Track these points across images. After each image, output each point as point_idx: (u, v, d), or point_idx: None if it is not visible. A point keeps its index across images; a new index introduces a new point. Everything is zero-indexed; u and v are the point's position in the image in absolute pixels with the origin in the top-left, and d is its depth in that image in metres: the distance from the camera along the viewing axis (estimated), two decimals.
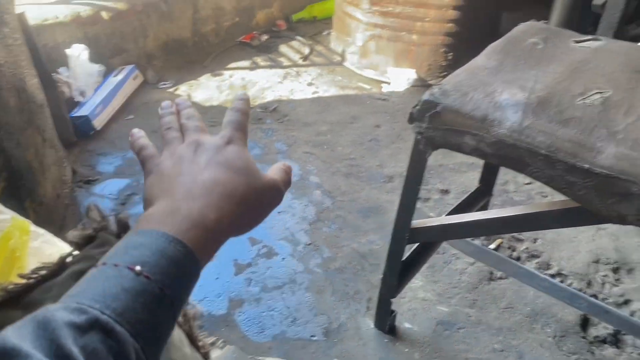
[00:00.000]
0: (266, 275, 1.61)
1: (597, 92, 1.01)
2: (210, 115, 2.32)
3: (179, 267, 0.39)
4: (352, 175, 2.02)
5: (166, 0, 2.50)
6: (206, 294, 1.53)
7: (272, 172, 0.51)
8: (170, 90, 2.48)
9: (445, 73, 2.43)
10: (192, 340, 0.67)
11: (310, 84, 2.56)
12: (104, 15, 2.33)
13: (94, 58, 2.27)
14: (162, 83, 2.51)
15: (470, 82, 1.10)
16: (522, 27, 1.33)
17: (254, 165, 0.49)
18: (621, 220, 0.93)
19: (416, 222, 1.26)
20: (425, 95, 1.11)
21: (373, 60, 2.57)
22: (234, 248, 1.67)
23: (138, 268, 0.37)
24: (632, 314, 1.51)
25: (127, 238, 0.41)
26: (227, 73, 2.61)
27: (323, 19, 3.03)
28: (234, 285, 1.57)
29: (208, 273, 1.59)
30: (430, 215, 1.86)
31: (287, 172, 0.52)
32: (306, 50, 2.81)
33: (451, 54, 2.44)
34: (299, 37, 2.91)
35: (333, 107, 2.41)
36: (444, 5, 2.31)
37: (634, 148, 0.91)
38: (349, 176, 2.01)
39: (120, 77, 2.35)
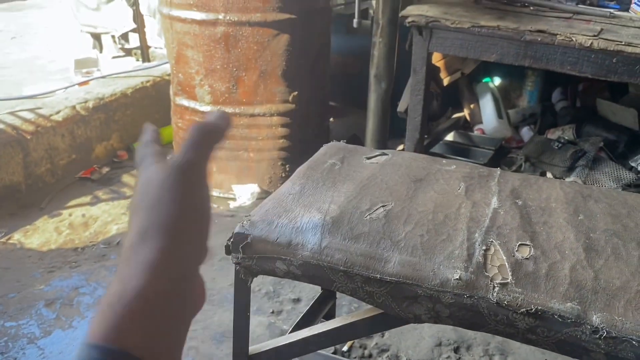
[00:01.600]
0: None
1: (381, 206, 1.15)
2: (49, 260, 2.20)
3: None
4: None
5: None
6: None
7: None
8: (2, 240, 2.33)
9: None
10: None
11: None
12: None
13: None
14: None
15: (276, 210, 1.18)
16: (324, 148, 1.48)
17: (149, 178, 0.40)
18: (417, 320, 1.04)
19: (254, 348, 1.28)
20: (237, 228, 1.17)
21: (217, 179, 2.65)
22: None
23: None
24: None
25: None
26: (66, 212, 2.52)
27: (166, 144, 3.09)
28: None
29: None
30: (284, 327, 1.88)
31: (198, 127, 0.42)
32: None
33: (288, 165, 2.60)
34: None
35: None
36: (273, 124, 2.48)
37: (413, 254, 1.03)
38: None
39: None
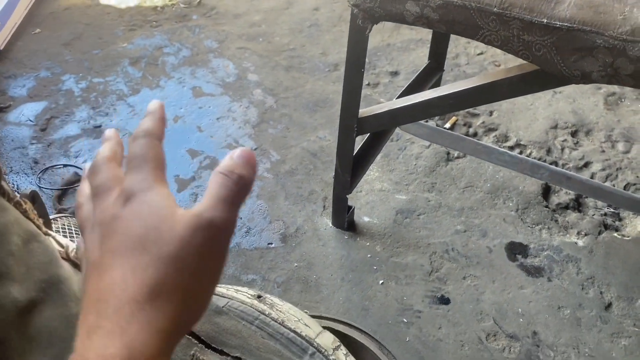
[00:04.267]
0: None
1: None
2: (129, 18, 2.07)
3: None
4: (293, 68, 1.85)
5: None
6: None
7: (207, 195, 0.33)
8: None
9: None
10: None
11: None
12: None
13: None
14: None
15: None
16: None
17: (160, 217, 0.32)
18: (585, 78, 0.84)
19: (364, 111, 1.14)
20: None
21: None
22: (172, 164, 1.53)
23: None
24: (592, 175, 1.48)
25: None
26: None
27: None
28: (180, 202, 1.45)
29: None
30: (381, 101, 1.74)
31: (230, 177, 0.33)
32: None
33: None
34: None
35: None
36: None
37: None
38: (290, 69, 1.85)
39: None
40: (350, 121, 1.13)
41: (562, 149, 1.55)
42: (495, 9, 0.82)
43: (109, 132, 0.41)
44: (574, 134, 1.59)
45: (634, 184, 1.45)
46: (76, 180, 1.48)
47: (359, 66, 1.05)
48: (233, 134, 1.63)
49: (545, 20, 0.79)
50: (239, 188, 0.33)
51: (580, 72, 0.83)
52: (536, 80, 0.90)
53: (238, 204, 0.33)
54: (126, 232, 0.32)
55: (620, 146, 1.55)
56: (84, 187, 0.39)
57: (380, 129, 1.25)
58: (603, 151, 1.54)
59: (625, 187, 1.45)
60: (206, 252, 0.32)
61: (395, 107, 1.10)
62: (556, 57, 0.82)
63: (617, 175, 1.48)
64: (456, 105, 1.02)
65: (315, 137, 1.61)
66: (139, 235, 0.31)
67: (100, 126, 1.65)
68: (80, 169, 1.51)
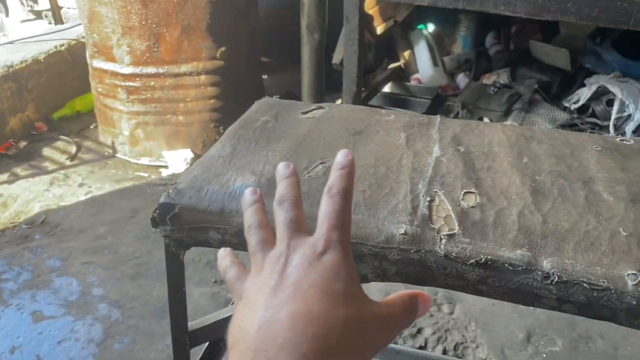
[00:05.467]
0: None
1: (320, 163, 1.06)
2: None
3: None
4: (140, 276, 1.89)
5: None
6: None
7: (392, 300, 0.41)
8: None
9: None
10: None
11: (81, 185, 2.38)
12: None
13: None
14: None
15: (205, 176, 1.08)
16: (255, 105, 1.37)
17: (358, 285, 0.38)
18: (364, 279, 0.98)
19: (193, 324, 1.20)
20: (162, 198, 1.06)
21: (145, 147, 2.49)
22: None
23: None
24: (426, 340, 1.62)
25: None
26: None
27: (88, 112, 2.87)
28: None
29: None
30: (229, 297, 1.81)
31: (412, 300, 0.41)
32: (73, 149, 2.62)
33: (221, 127, 2.47)
34: (63, 137, 2.72)
35: (110, 205, 2.26)
36: (201, 83, 2.34)
37: (356, 211, 0.96)
38: (136, 277, 1.88)
39: None
40: (181, 337, 1.17)
41: None
42: None
43: (250, 195, 0.46)
44: None
45: (462, 343, 1.61)
46: None
47: (179, 286, 1.13)
48: (76, 356, 1.57)
49: None
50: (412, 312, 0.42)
51: (359, 274, 0.97)
52: None
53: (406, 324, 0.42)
54: (326, 276, 0.36)
55: (445, 308, 1.73)
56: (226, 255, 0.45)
57: (215, 339, 1.29)
58: (432, 315, 1.70)
59: (455, 347, 1.60)
60: (371, 343, 0.37)
61: (222, 317, 1.17)
62: None
63: (446, 337, 1.63)
64: None
65: (164, 345, 1.61)
66: (337, 289, 0.36)
67: None
68: None
